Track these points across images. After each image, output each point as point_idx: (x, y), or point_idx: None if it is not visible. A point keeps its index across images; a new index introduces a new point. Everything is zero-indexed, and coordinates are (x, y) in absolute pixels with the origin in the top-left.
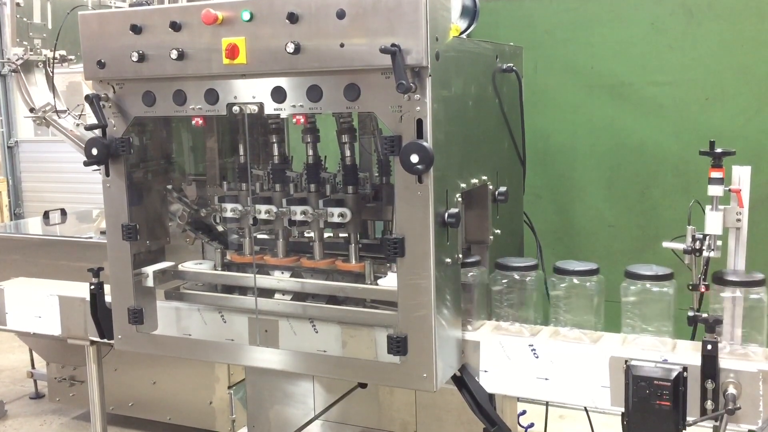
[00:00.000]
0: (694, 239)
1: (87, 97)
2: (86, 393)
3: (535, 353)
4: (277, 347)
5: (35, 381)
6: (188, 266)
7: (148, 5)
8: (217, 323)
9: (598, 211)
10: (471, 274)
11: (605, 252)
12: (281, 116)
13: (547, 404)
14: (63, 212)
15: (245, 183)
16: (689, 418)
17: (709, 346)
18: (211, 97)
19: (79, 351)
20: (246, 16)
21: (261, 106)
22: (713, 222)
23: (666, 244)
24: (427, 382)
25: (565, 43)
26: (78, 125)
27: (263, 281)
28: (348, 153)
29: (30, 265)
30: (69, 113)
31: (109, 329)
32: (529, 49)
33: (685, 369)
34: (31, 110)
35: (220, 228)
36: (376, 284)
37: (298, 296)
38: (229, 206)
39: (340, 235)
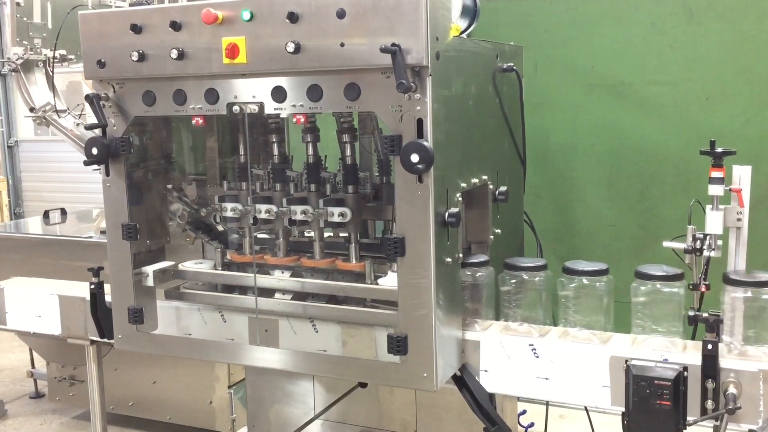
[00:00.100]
0: (694, 239)
1: (87, 97)
2: (86, 392)
3: (535, 353)
4: (278, 347)
5: (35, 380)
6: (188, 266)
7: (148, 5)
8: (217, 323)
9: (599, 211)
10: (479, 274)
11: (605, 252)
12: (281, 116)
13: (547, 404)
14: (63, 212)
15: (245, 182)
16: (689, 418)
17: (710, 346)
18: (212, 96)
19: (79, 350)
20: (246, 15)
21: (261, 105)
22: (714, 221)
23: (666, 244)
24: (428, 382)
25: (566, 43)
26: (78, 125)
27: (263, 281)
28: (348, 152)
29: (30, 264)
30: (69, 113)
31: (109, 329)
32: (529, 49)
33: (685, 369)
34: (31, 110)
35: (220, 227)
36: (377, 284)
37: (299, 296)
38: (229, 206)
39: (341, 234)
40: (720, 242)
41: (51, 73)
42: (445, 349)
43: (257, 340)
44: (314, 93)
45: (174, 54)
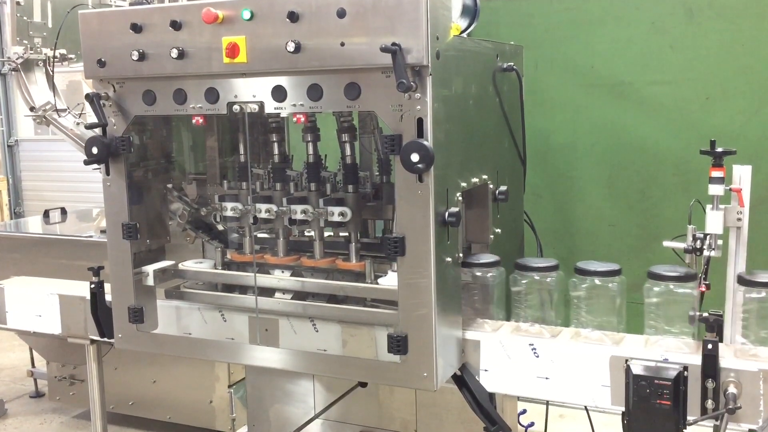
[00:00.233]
0: (694, 238)
1: (87, 96)
2: (86, 392)
3: (535, 352)
4: (278, 346)
5: (35, 380)
6: (188, 265)
7: (149, 4)
8: (218, 322)
9: (599, 211)
10: (490, 274)
11: (606, 251)
12: (281, 115)
13: (547, 403)
14: (63, 211)
15: (245, 182)
16: (690, 418)
17: (710, 346)
18: (212, 96)
19: (80, 350)
20: (246, 15)
21: (261, 105)
22: (714, 221)
23: (667, 244)
24: (428, 381)
25: (566, 43)
26: (78, 124)
27: (263, 280)
28: (348, 152)
29: (30, 263)
30: (69, 112)
31: (110, 328)
32: (529, 49)
33: (685, 368)
34: (32, 109)
35: (220, 227)
36: (377, 283)
37: (299, 295)
38: (229, 205)
39: (341, 234)
40: (720, 242)
41: (51, 73)
42: (445, 349)
43: (257, 339)
44: (314, 92)
45: (174, 53)
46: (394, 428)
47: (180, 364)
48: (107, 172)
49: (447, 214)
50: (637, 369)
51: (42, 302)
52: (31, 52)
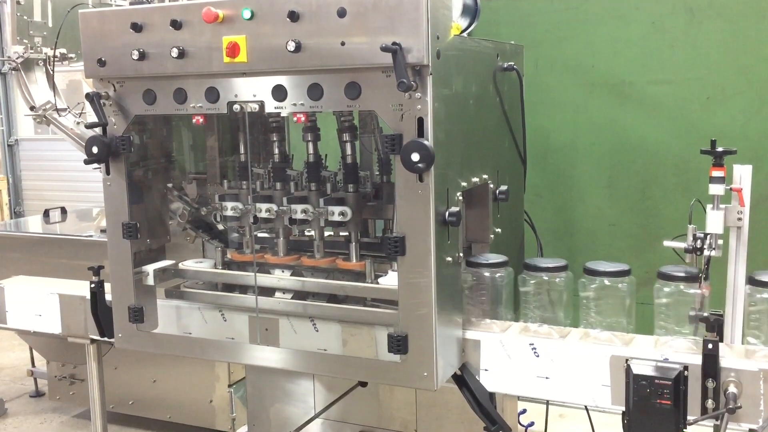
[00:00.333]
0: (695, 238)
1: (87, 96)
2: (86, 391)
3: (535, 352)
4: (278, 346)
5: (35, 379)
6: (189, 265)
7: (149, 3)
8: (218, 322)
9: (599, 210)
10: (498, 275)
11: (606, 251)
12: (282, 115)
13: (547, 403)
14: (63, 210)
15: (246, 181)
16: (690, 417)
17: (710, 345)
18: (212, 95)
19: (80, 349)
20: (247, 14)
21: (262, 104)
22: (714, 221)
23: (667, 243)
24: (428, 381)
25: (566, 42)
26: (78, 123)
27: (264, 280)
28: (349, 151)
29: (30, 263)
30: (69, 111)
31: (110, 327)
32: (529, 48)
33: (685, 368)
34: (32, 108)
35: (220, 226)
36: (377, 283)
37: (299, 295)
38: (229, 205)
39: (341, 233)
40: (720, 242)
41: (51, 72)
42: (445, 349)
43: (257, 339)
44: (315, 92)
45: (174, 53)
46: (394, 428)
47: (180, 363)
48: (107, 172)
49: (447, 213)
50: (637, 369)
51: (42, 302)
52: (32, 51)
